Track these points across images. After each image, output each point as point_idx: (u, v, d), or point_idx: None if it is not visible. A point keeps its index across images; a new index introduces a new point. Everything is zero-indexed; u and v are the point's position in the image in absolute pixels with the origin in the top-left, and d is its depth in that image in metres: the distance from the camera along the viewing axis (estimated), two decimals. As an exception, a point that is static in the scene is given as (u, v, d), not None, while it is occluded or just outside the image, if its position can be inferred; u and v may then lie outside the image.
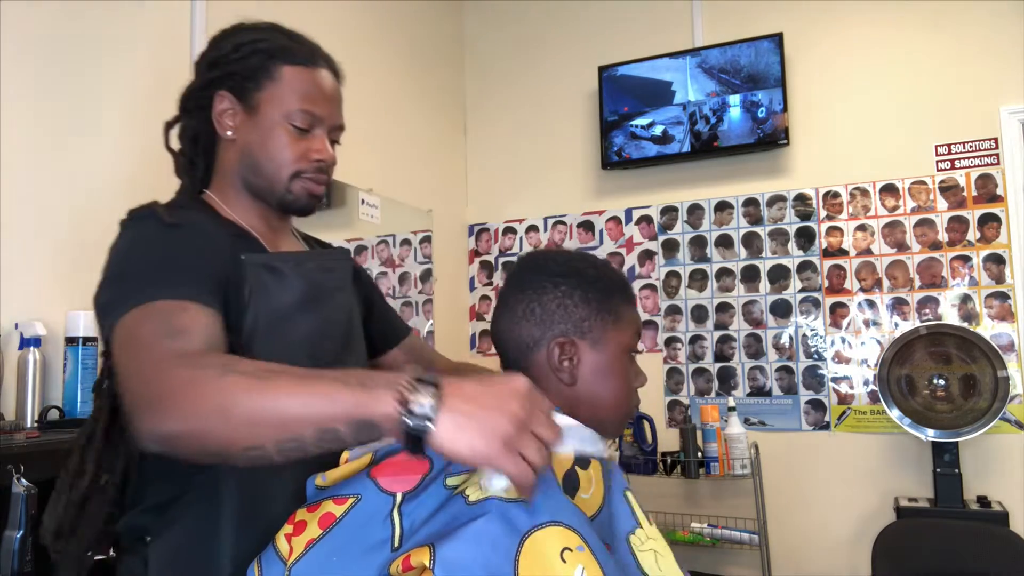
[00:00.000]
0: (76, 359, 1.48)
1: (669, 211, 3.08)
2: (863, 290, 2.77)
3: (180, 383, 0.67)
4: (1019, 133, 2.61)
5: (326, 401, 0.65)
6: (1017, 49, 2.61)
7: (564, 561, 0.64)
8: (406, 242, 2.88)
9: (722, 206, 3.00)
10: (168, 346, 0.72)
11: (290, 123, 0.95)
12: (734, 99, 2.88)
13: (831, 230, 2.83)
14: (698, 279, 3.02)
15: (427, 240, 3.02)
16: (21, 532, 1.11)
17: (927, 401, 2.47)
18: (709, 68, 2.93)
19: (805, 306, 2.84)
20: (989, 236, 2.62)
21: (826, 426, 2.77)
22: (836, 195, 2.84)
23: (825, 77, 2.87)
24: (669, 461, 2.58)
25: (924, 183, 2.72)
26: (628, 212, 3.16)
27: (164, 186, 1.02)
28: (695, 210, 3.04)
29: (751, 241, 2.95)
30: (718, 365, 2.95)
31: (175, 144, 1.01)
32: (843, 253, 2.81)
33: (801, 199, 2.89)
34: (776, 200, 2.92)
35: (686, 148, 2.95)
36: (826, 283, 2.82)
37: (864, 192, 2.80)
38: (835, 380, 2.77)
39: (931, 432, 2.39)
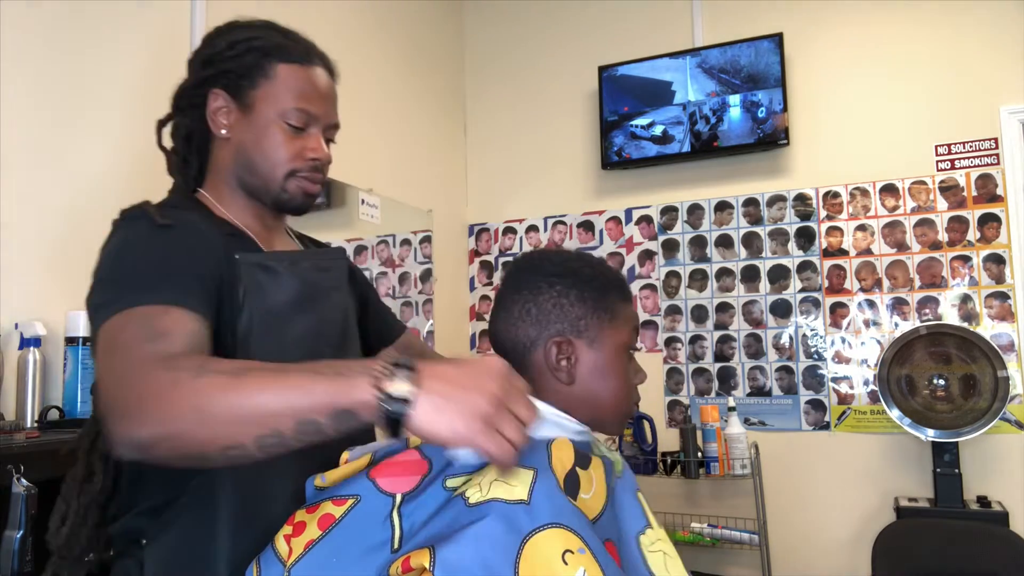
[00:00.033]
0: (76, 359, 1.48)
1: (669, 211, 3.08)
2: (863, 290, 2.77)
3: (156, 387, 0.67)
4: (1019, 133, 2.61)
5: (303, 393, 0.65)
6: (1017, 49, 2.61)
7: (565, 563, 0.64)
8: (406, 242, 2.88)
9: (722, 206, 3.00)
10: (147, 349, 0.71)
11: (285, 121, 0.94)
12: (734, 99, 2.88)
13: (831, 230, 2.83)
14: (698, 279, 3.02)
15: (427, 240, 3.02)
16: (21, 532, 1.10)
17: (927, 401, 2.47)
18: (709, 68, 2.93)
19: (805, 306, 2.84)
20: (989, 236, 2.62)
21: (826, 426, 2.77)
22: (836, 195, 2.84)
23: (825, 77, 2.87)
24: (669, 461, 2.58)
25: (924, 183, 2.71)
26: (628, 212, 3.16)
27: (165, 186, 1.01)
28: (695, 210, 3.04)
29: (751, 241, 2.95)
30: (718, 365, 2.95)
31: (168, 142, 1.00)
32: (843, 253, 2.81)
33: (801, 199, 2.89)
34: (776, 200, 2.92)
35: (686, 148, 2.95)
36: (826, 283, 2.82)
37: (864, 192, 2.80)
38: (835, 380, 2.77)
39: (931, 432, 2.39)
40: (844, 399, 2.75)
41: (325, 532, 0.73)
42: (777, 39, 2.83)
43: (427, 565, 0.64)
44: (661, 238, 3.09)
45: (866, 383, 2.72)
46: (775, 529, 2.66)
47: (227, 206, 0.98)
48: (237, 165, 0.97)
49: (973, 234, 2.64)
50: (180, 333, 0.74)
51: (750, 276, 2.94)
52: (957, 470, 2.41)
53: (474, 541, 0.65)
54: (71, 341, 1.49)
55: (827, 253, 2.83)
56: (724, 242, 2.99)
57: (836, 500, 2.71)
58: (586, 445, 0.83)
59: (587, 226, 3.23)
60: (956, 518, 2.33)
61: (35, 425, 1.43)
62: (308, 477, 0.81)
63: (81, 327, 1.48)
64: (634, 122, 3.03)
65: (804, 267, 2.86)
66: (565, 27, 3.32)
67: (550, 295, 0.86)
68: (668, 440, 2.75)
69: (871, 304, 2.75)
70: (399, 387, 0.64)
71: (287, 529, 0.76)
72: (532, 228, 3.32)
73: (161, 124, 1.00)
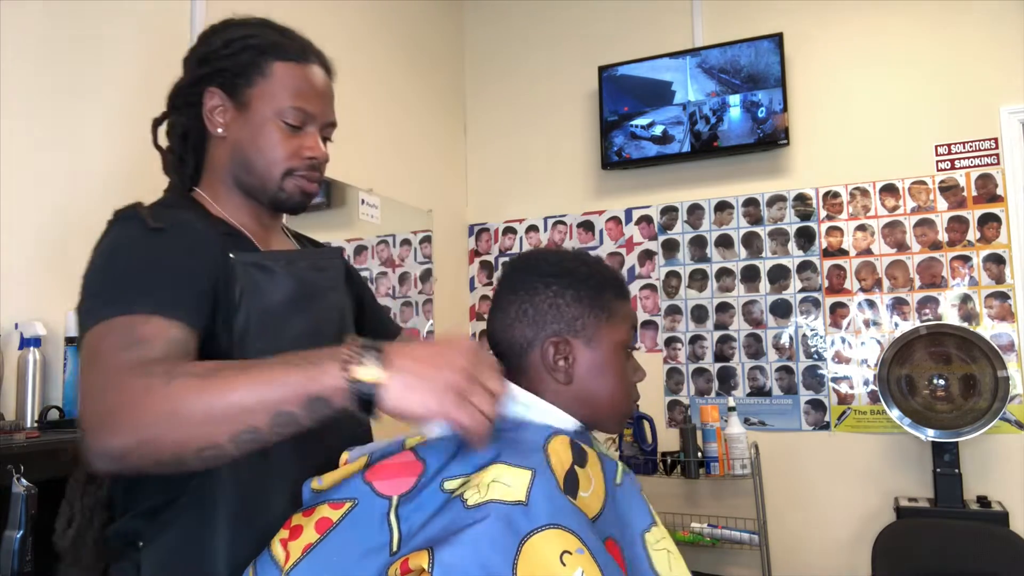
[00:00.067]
0: (76, 359, 1.48)
1: (669, 211, 3.08)
2: (863, 290, 2.77)
3: (129, 395, 0.67)
4: (1019, 133, 2.61)
5: (274, 386, 0.66)
6: (1017, 49, 2.60)
7: (563, 564, 0.64)
8: (406, 242, 2.88)
9: (722, 206, 3.00)
10: (123, 358, 0.71)
11: (282, 120, 0.94)
12: (734, 99, 2.88)
13: (831, 230, 2.83)
14: (698, 279, 3.02)
15: (427, 240, 3.02)
16: (21, 532, 1.10)
17: (927, 401, 2.47)
18: (709, 68, 2.93)
19: (805, 306, 2.84)
20: (989, 236, 2.61)
21: (826, 426, 2.77)
22: (836, 195, 2.83)
23: (825, 77, 2.87)
24: (669, 461, 2.57)
25: (924, 183, 2.71)
26: (628, 212, 3.16)
27: (165, 185, 1.02)
28: (695, 210, 3.04)
29: (751, 241, 2.95)
30: (718, 365, 2.95)
31: (164, 141, 1.00)
32: (843, 253, 2.81)
33: (801, 199, 2.88)
34: (776, 200, 2.92)
35: (686, 148, 2.95)
36: (826, 283, 2.82)
37: (864, 192, 2.80)
38: (835, 380, 2.77)
39: (931, 432, 2.39)
40: (844, 399, 2.75)
41: (323, 536, 0.73)
42: (777, 39, 2.83)
43: (426, 566, 0.64)
44: (661, 238, 3.09)
45: (866, 383, 2.72)
46: (775, 529, 2.66)
47: (223, 205, 0.97)
48: (233, 164, 0.96)
49: (973, 234, 2.64)
50: (159, 341, 0.74)
51: (750, 276, 2.93)
52: (957, 470, 2.41)
53: (472, 542, 0.65)
54: (71, 341, 1.49)
55: (827, 253, 2.83)
56: (724, 242, 2.99)
57: (836, 500, 2.71)
58: (583, 439, 0.83)
59: (587, 226, 3.23)
60: (956, 518, 2.33)
61: (35, 425, 1.44)
62: (308, 477, 0.81)
63: (81, 327, 1.48)
64: (634, 122, 3.03)
65: (804, 267, 2.86)
66: (565, 27, 3.32)
67: (546, 295, 0.86)
68: (668, 440, 2.75)
69: (871, 304, 2.75)
70: (368, 369, 0.66)
71: (283, 533, 0.76)
72: (532, 228, 3.32)
73: (157, 123, 1.00)
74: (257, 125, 0.94)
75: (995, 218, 2.61)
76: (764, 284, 2.91)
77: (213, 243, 0.88)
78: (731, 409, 2.58)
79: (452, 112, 3.40)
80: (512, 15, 3.43)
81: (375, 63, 2.79)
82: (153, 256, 0.82)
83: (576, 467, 0.76)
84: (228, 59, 0.94)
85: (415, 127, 3.06)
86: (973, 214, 2.64)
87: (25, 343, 1.46)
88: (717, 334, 2.96)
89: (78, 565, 0.87)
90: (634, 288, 3.09)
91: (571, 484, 0.73)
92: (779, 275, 2.89)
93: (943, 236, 2.67)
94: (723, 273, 2.98)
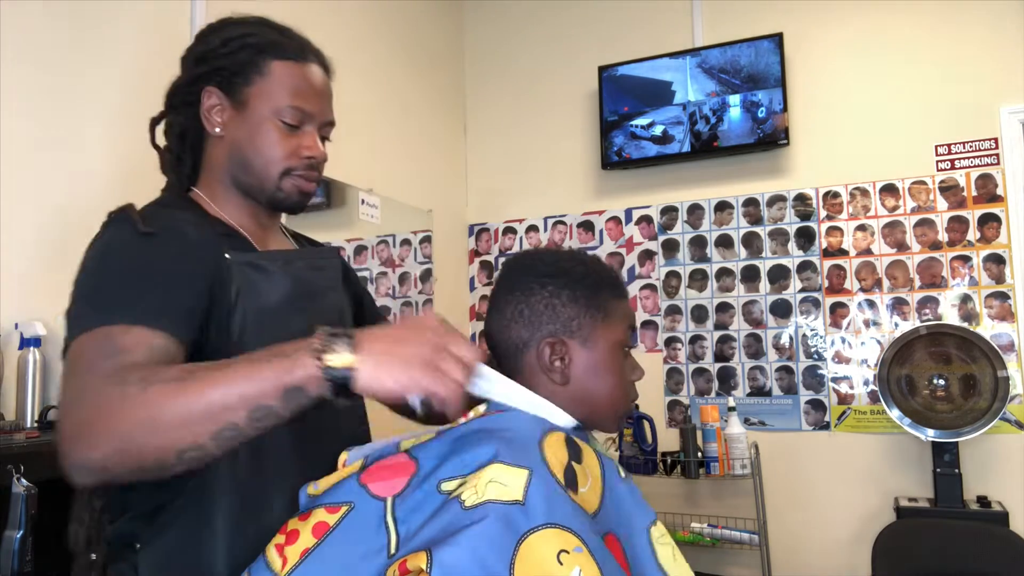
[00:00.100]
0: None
1: (669, 211, 3.08)
2: (863, 290, 2.77)
3: (105, 404, 0.67)
4: (1019, 133, 2.61)
5: (250, 381, 0.67)
6: (1017, 49, 2.60)
7: (561, 563, 0.64)
8: (406, 242, 2.89)
9: (722, 206, 3.00)
10: (100, 367, 0.71)
11: (280, 119, 0.93)
12: (734, 99, 2.88)
13: (831, 230, 2.83)
14: (698, 279, 3.02)
15: (427, 240, 3.02)
16: (21, 532, 1.10)
17: (927, 401, 2.47)
18: (709, 68, 2.93)
19: (805, 306, 2.84)
20: (989, 236, 2.61)
21: (826, 426, 2.77)
22: (836, 195, 2.83)
23: (825, 77, 2.87)
24: (669, 461, 2.57)
25: (924, 183, 2.71)
26: (628, 212, 3.16)
27: (163, 185, 1.01)
28: (695, 210, 3.04)
29: (751, 241, 2.95)
30: (718, 365, 2.95)
31: (161, 141, 0.99)
32: (843, 253, 2.81)
33: (801, 199, 2.88)
34: (776, 200, 2.92)
35: (686, 148, 2.95)
36: (826, 283, 2.82)
37: (864, 192, 2.80)
38: (835, 380, 2.77)
39: (931, 432, 2.39)
40: (844, 399, 2.75)
41: (320, 540, 0.73)
42: (777, 39, 2.83)
43: (424, 567, 0.64)
44: (661, 238, 3.09)
45: (866, 383, 2.72)
46: (775, 529, 2.66)
47: (221, 205, 0.97)
48: (231, 163, 0.95)
49: (973, 234, 2.64)
50: (140, 349, 0.74)
51: (750, 276, 2.93)
52: (957, 470, 2.41)
53: (470, 542, 0.65)
54: (71, 341, 1.49)
55: (827, 253, 2.83)
56: (724, 242, 2.99)
57: (836, 500, 2.71)
58: (579, 436, 0.83)
59: (587, 226, 3.23)
60: (956, 518, 2.33)
61: (35, 425, 1.44)
62: (306, 478, 0.81)
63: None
64: (634, 122, 3.03)
65: (804, 267, 2.86)
66: (565, 27, 3.32)
67: (542, 296, 0.86)
68: (668, 440, 2.75)
69: (871, 304, 2.75)
70: (340, 355, 0.67)
71: (279, 538, 0.76)
72: (532, 228, 3.32)
73: (155, 122, 0.99)
74: (255, 124, 0.93)
75: (995, 218, 2.61)
76: (764, 284, 2.91)
77: (207, 245, 0.87)
78: (731, 409, 2.58)
79: (452, 112, 3.40)
80: (512, 15, 3.43)
81: (375, 63, 2.79)
82: (140, 262, 0.82)
83: (573, 463, 0.76)
84: (226, 58, 0.93)
85: (415, 127, 3.06)
86: (973, 214, 2.64)
87: (25, 343, 1.46)
88: (717, 334, 2.96)
89: (91, 568, 0.87)
90: (634, 288, 3.09)
91: (570, 481, 0.74)
92: (779, 275, 2.89)
93: (943, 236, 2.67)
94: (723, 273, 2.98)
